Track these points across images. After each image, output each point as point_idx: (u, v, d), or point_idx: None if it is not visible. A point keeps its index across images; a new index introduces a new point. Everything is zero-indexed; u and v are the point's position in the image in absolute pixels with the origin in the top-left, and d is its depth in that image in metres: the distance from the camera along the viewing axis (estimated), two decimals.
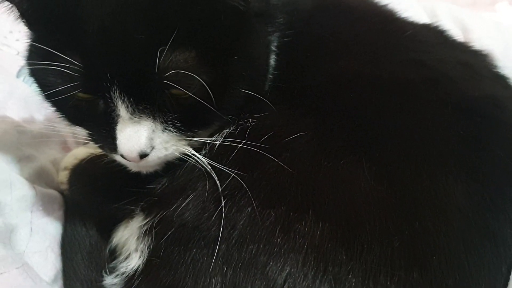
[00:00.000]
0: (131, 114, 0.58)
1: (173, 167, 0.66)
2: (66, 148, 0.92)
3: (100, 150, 0.83)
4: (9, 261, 0.60)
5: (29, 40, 0.64)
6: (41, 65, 0.56)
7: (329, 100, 0.65)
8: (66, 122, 0.68)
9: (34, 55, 0.62)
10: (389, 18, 0.79)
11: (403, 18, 0.81)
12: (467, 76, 0.69)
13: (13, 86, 0.95)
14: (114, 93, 0.56)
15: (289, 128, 0.62)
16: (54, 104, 0.65)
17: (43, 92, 0.63)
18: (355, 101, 0.64)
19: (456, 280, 0.53)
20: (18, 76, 1.03)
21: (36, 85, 0.64)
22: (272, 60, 0.71)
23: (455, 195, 0.56)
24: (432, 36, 0.77)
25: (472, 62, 0.73)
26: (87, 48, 0.55)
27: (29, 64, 0.63)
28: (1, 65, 1.00)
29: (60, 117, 0.67)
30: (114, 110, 0.58)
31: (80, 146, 0.91)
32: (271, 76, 0.70)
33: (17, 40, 1.12)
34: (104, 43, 0.55)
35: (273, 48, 0.71)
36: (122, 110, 0.58)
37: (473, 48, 0.79)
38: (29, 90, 0.96)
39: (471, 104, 0.64)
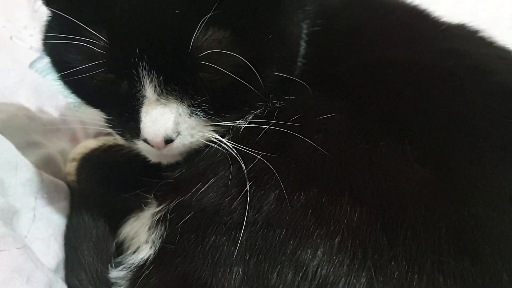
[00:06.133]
0: (158, 95, 0.54)
1: (193, 155, 0.62)
2: (75, 140, 0.87)
3: (113, 140, 0.80)
4: (10, 240, 0.54)
5: (48, 16, 0.60)
6: (61, 40, 0.52)
7: (363, 84, 0.60)
8: (84, 105, 0.64)
9: (53, 30, 0.57)
10: (423, 14, 0.75)
11: (435, 16, 0.78)
12: (509, 69, 0.65)
13: (25, 74, 0.92)
14: (142, 70, 0.52)
15: (320, 109, 0.58)
16: (72, 85, 0.61)
17: (61, 72, 0.58)
18: (392, 85, 0.60)
19: None
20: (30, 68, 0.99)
21: (53, 64, 0.60)
22: (302, 47, 0.67)
23: (506, 183, 0.51)
24: (467, 32, 0.73)
25: None
26: (115, 21, 0.51)
27: (47, 38, 0.59)
28: (14, 56, 0.97)
29: (77, 100, 0.63)
30: (140, 90, 0.54)
31: (89, 139, 0.87)
32: (299, 64, 0.67)
33: (31, 35, 1.10)
34: (136, 15, 0.51)
35: (303, 36, 0.68)
36: (149, 91, 0.54)
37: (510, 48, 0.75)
38: (41, 80, 0.93)
39: None
